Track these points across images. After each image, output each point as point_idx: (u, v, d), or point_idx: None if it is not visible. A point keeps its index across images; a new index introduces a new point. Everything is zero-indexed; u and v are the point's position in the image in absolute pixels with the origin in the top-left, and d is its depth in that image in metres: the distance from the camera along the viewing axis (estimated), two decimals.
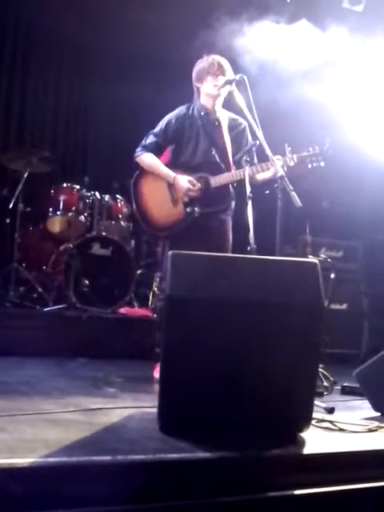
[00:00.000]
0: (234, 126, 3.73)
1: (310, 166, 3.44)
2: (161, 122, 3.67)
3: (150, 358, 3.54)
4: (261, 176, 3.52)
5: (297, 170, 3.45)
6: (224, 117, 3.71)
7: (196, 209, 3.53)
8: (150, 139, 3.64)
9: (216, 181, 3.53)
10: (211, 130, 3.66)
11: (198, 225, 3.53)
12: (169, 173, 3.57)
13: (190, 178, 3.53)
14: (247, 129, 3.71)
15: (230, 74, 3.53)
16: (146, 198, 3.63)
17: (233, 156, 3.63)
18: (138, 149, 3.66)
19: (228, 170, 3.59)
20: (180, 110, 3.70)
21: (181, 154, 3.64)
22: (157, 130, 3.65)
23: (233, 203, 3.71)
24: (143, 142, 3.67)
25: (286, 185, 3.05)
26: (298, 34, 4.25)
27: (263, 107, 3.29)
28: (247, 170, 3.33)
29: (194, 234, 3.47)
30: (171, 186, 3.58)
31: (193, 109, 3.69)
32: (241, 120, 3.73)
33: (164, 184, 3.59)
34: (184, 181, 3.53)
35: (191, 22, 5.61)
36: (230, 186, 3.62)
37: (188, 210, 3.54)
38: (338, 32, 4.68)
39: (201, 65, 3.64)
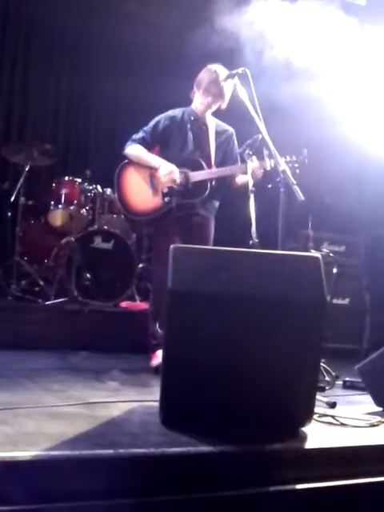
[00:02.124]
0: (221, 132, 3.90)
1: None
2: (152, 121, 3.82)
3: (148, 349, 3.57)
4: (240, 180, 3.71)
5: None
6: (212, 123, 3.87)
7: (177, 199, 3.67)
8: (139, 134, 3.80)
9: (195, 175, 3.69)
10: (199, 134, 3.82)
11: (178, 217, 3.68)
12: (155, 159, 3.73)
13: (175, 167, 3.67)
14: (234, 136, 3.93)
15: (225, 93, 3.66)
16: (127, 187, 3.79)
17: (217, 161, 3.80)
18: (128, 143, 3.82)
19: (205, 169, 3.74)
20: (173, 111, 3.85)
21: (167, 153, 3.77)
22: (147, 127, 3.81)
23: (217, 203, 3.85)
24: (133, 136, 3.82)
25: (288, 179, 3.05)
26: (300, 24, 4.22)
27: (264, 100, 3.29)
28: (250, 165, 3.35)
29: (175, 226, 3.66)
30: (153, 176, 3.72)
31: (184, 112, 3.85)
32: (228, 127, 3.94)
33: (146, 175, 3.75)
34: (169, 166, 3.67)
35: (190, 16, 5.60)
36: (209, 183, 3.70)
37: (166, 199, 3.68)
38: (340, 26, 4.65)
39: (204, 74, 3.73)
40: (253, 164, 3.49)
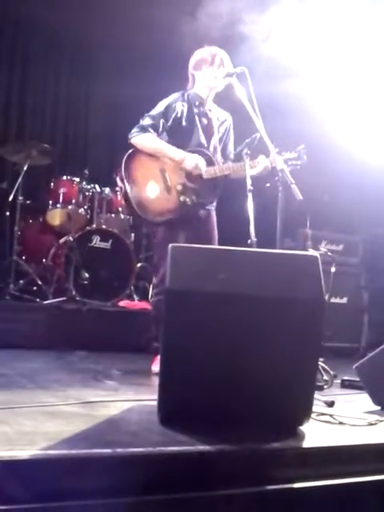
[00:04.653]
0: (222, 122, 3.75)
1: (289, 168, 3.38)
2: (158, 106, 3.57)
3: (149, 350, 3.54)
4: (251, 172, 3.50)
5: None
6: (214, 110, 3.71)
7: (192, 198, 3.51)
8: (148, 121, 3.51)
9: (208, 172, 3.54)
10: (204, 121, 3.65)
11: (189, 215, 3.54)
12: (175, 150, 3.50)
13: (200, 158, 3.52)
14: (232, 126, 3.76)
15: (229, 66, 3.53)
16: (139, 182, 3.48)
17: (221, 151, 3.67)
18: (135, 129, 3.53)
19: (216, 163, 3.62)
20: (176, 95, 3.62)
21: (175, 140, 3.56)
22: (154, 112, 3.54)
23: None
24: (140, 122, 3.53)
25: (287, 178, 3.05)
26: (302, 20, 4.22)
27: (263, 98, 3.28)
28: (247, 163, 3.34)
29: (186, 224, 3.53)
30: (164, 171, 3.51)
31: (187, 96, 3.64)
32: (227, 114, 3.77)
33: (156, 169, 3.51)
34: (195, 157, 3.50)
35: (188, 14, 5.60)
36: (221, 180, 3.61)
37: (182, 198, 3.51)
38: (338, 25, 4.66)
39: (201, 54, 3.61)
40: (265, 161, 3.41)
